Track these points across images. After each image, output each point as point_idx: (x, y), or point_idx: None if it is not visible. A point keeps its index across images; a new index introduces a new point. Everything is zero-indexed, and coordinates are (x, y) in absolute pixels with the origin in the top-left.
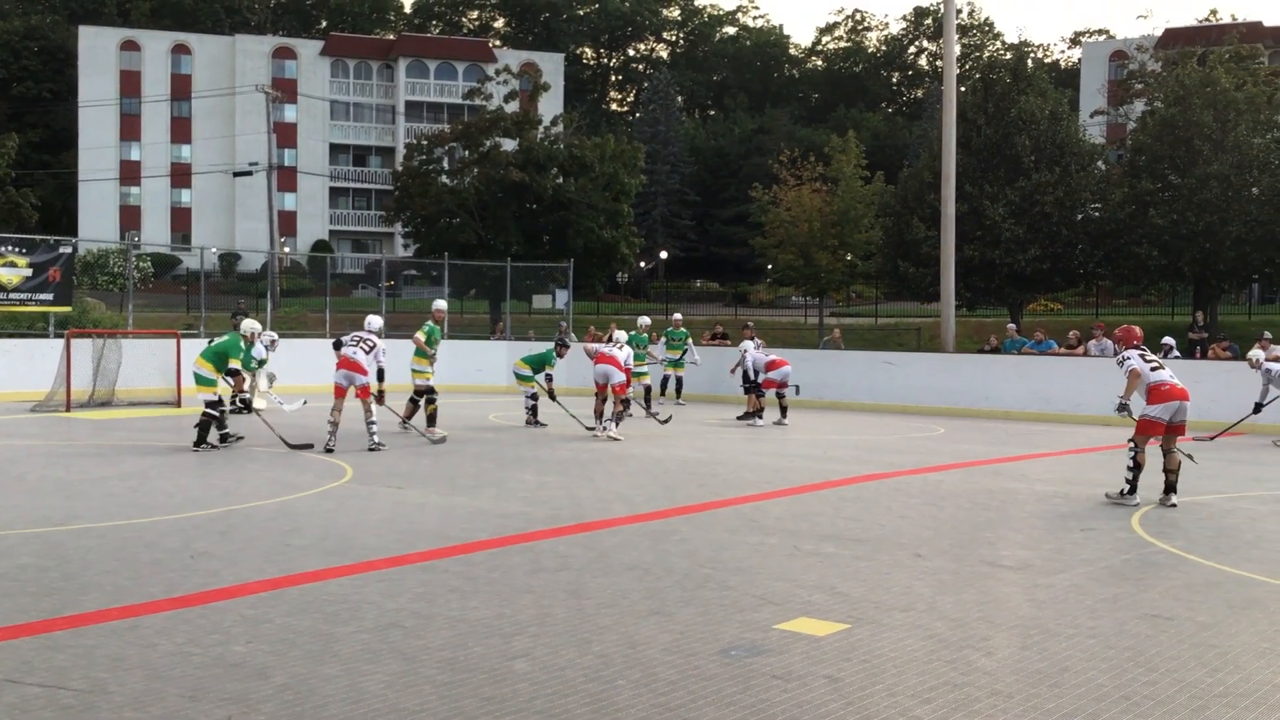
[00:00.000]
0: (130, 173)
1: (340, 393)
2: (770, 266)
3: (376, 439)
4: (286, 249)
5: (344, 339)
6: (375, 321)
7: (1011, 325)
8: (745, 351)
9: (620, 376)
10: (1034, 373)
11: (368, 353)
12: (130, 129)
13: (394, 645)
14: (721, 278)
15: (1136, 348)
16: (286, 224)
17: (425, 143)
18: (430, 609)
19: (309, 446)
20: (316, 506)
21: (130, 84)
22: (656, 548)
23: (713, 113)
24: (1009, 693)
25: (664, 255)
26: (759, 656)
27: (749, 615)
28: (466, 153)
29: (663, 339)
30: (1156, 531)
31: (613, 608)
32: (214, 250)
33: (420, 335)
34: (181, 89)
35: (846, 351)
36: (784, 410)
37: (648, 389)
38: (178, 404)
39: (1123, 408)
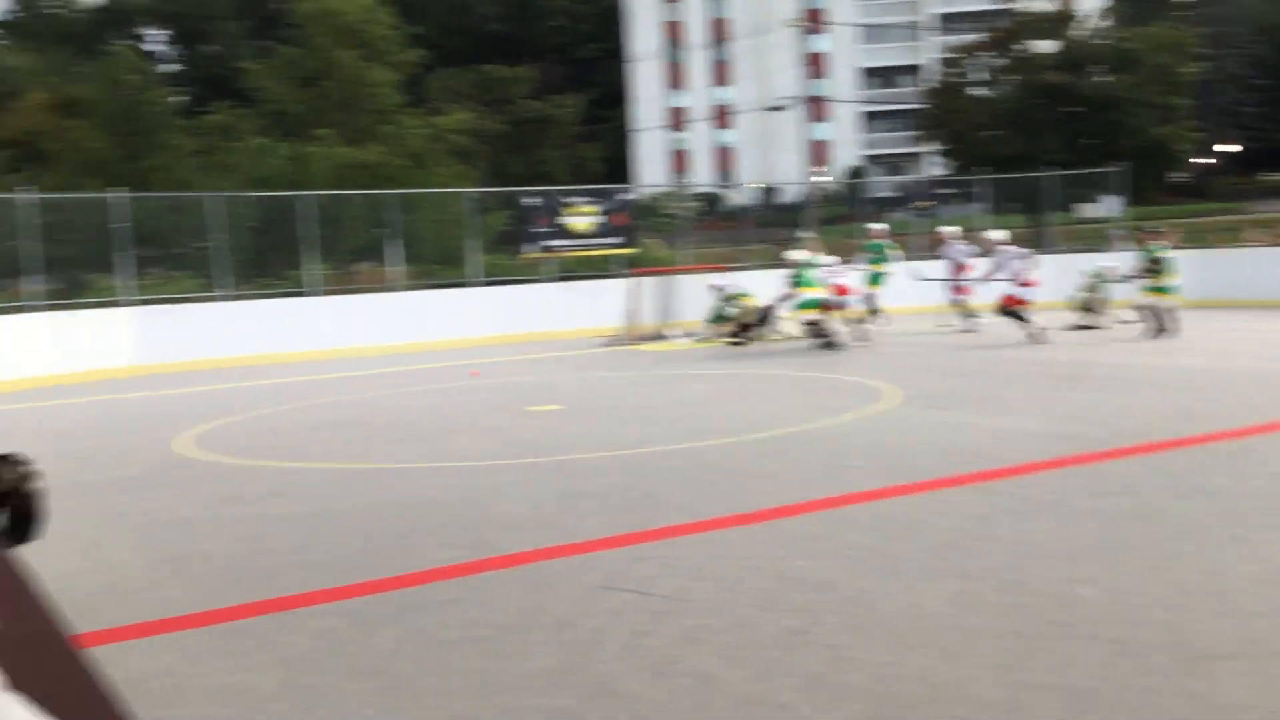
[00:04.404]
0: (677, 119)
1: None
2: None
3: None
4: (823, 177)
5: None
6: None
7: None
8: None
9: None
10: None
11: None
12: (676, 77)
13: (952, 564)
14: None
15: None
16: (820, 153)
17: (955, 55)
18: (987, 530)
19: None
20: (862, 428)
21: (673, 34)
22: (1232, 469)
23: None
24: None
25: (1227, 149)
26: None
27: None
28: (1000, 61)
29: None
30: None
31: (1187, 533)
32: (754, 185)
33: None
34: (720, 32)
35: None
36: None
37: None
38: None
39: None
